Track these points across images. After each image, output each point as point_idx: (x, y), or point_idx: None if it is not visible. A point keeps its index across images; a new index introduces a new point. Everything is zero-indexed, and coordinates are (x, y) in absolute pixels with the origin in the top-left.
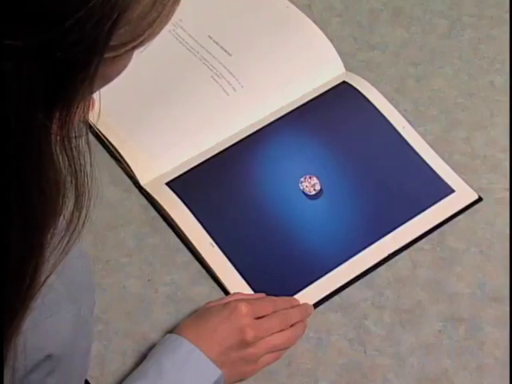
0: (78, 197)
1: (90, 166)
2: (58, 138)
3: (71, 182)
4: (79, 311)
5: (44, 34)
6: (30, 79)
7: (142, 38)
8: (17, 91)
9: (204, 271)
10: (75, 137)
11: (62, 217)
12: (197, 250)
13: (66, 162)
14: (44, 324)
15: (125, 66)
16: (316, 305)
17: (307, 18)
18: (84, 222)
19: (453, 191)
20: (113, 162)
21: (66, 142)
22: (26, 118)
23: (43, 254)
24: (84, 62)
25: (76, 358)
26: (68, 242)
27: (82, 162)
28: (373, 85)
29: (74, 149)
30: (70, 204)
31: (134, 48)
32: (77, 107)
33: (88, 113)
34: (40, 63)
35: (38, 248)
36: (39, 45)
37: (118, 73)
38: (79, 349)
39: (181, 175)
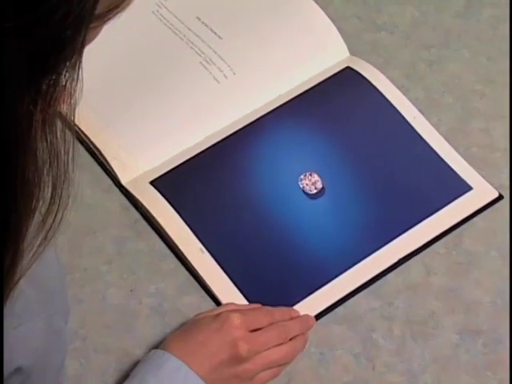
0: (55, 191)
1: (68, 157)
2: (41, 125)
3: (48, 175)
4: (51, 319)
5: (32, 13)
6: (16, 60)
7: (119, 9)
8: (4, 73)
9: (193, 280)
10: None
11: (37, 213)
12: (185, 256)
13: (46, 152)
14: (13, 333)
15: (96, 36)
16: (318, 316)
17: None
18: (60, 220)
19: (470, 188)
20: (90, 159)
21: (48, 131)
22: (12, 102)
23: (20, 242)
24: (70, 38)
25: (48, 372)
26: (42, 241)
27: (62, 154)
28: (380, 70)
29: (55, 139)
30: (46, 198)
31: (110, 19)
32: (63, 89)
33: (70, 100)
34: (27, 42)
35: (15, 235)
36: (27, 24)
37: (91, 41)
38: (52, 362)
39: (167, 173)
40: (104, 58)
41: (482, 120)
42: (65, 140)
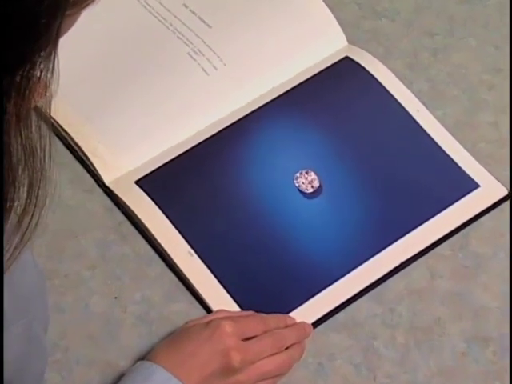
0: (31, 190)
1: (45, 153)
2: (14, 119)
3: (23, 172)
4: (30, 327)
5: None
6: None
7: None
8: None
9: (181, 285)
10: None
11: (12, 213)
12: (172, 261)
13: (20, 148)
14: None
15: (73, 24)
16: (316, 323)
17: None
18: (37, 221)
19: (477, 186)
20: (70, 157)
21: (23, 126)
22: None
23: None
24: (45, 26)
25: (28, 383)
26: (18, 244)
27: (38, 150)
28: (381, 60)
29: (30, 134)
30: (22, 198)
31: (88, 5)
32: (38, 81)
33: (45, 92)
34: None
35: None
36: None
37: (67, 31)
38: (31, 372)
39: (153, 172)
40: (84, 48)
41: (490, 113)
42: (41, 135)
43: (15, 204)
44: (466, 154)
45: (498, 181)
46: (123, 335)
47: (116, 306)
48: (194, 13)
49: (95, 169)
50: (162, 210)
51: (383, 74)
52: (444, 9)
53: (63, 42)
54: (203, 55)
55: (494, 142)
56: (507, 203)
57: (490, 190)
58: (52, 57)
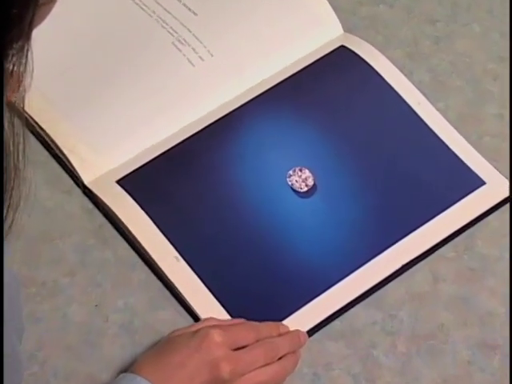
0: (4, 190)
1: (18, 151)
2: None
3: None
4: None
5: None
6: None
7: None
8: None
9: (167, 292)
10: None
11: None
12: (157, 266)
13: None
14: None
15: (47, 14)
16: (311, 331)
17: None
18: (11, 224)
19: (483, 183)
20: (47, 156)
21: None
22: None
23: None
24: (17, 16)
25: None
26: None
27: (11, 148)
28: (379, 49)
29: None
30: None
31: None
32: (10, 75)
33: (18, 87)
34: None
35: None
36: None
37: (41, 21)
38: None
39: (135, 170)
40: (60, 40)
41: (495, 105)
42: (14, 132)
43: None
44: (471, 148)
45: (505, 177)
46: (105, 346)
47: (97, 315)
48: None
49: (74, 168)
50: (146, 212)
51: (382, 64)
52: None
53: (38, 33)
54: (189, 45)
55: (499, 136)
56: None
57: (496, 186)
58: (25, 49)
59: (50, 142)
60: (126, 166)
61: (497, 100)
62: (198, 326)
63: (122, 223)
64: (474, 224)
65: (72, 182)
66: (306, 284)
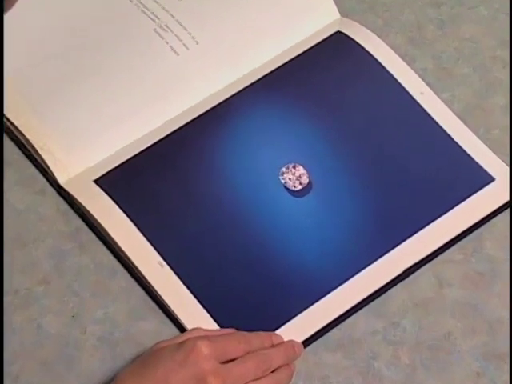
0: None
1: None
2: None
3: None
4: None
5: None
6: None
7: None
8: None
9: (150, 301)
10: None
11: None
12: (140, 272)
13: None
14: None
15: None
16: (306, 342)
17: None
18: None
19: (492, 179)
20: (19, 154)
21: None
22: None
23: None
24: None
25: None
26: None
27: None
28: (378, 35)
29: None
30: None
31: None
32: None
33: None
34: None
35: None
36: None
37: (10, 7)
38: None
39: (115, 169)
40: (32, 28)
41: (505, 94)
42: None
43: None
44: (478, 142)
45: None
46: (83, 360)
47: (74, 327)
48: None
49: (47, 167)
50: (127, 213)
51: (381, 50)
52: None
53: (8, 20)
54: (172, 32)
55: (510, 128)
56: None
57: (506, 183)
58: None
59: (21, 139)
60: (105, 164)
61: (507, 89)
62: (184, 337)
63: (101, 226)
64: (483, 224)
65: (46, 181)
66: (300, 290)
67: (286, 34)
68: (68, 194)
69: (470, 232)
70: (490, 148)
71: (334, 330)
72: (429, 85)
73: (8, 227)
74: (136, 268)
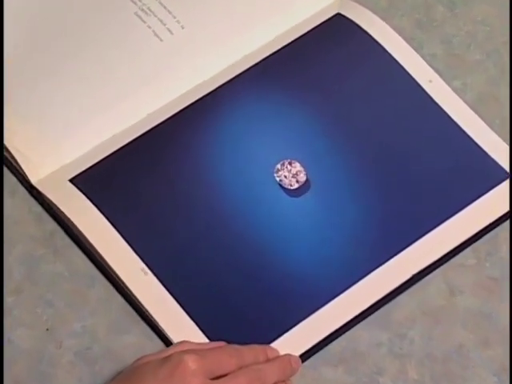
0: None
1: None
2: None
3: None
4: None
5: None
6: None
7: None
8: None
9: (133, 312)
10: None
11: None
12: (121, 280)
13: None
14: None
15: None
16: (304, 356)
17: None
18: None
19: (507, 176)
20: None
21: None
22: None
23: None
24: None
25: None
26: None
27: None
28: (382, 17)
29: None
30: None
31: None
32: None
33: None
34: None
35: None
36: None
37: None
38: None
39: (92, 167)
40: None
41: None
42: None
43: None
44: (493, 134)
45: None
46: (58, 377)
47: (48, 341)
48: None
49: (19, 166)
50: (106, 216)
51: (385, 34)
52: None
53: None
54: (155, 15)
55: None
56: None
57: None
58: None
59: None
60: (81, 161)
61: None
62: (170, 351)
63: (77, 229)
64: (498, 225)
65: (16, 181)
66: (298, 299)
67: (280, 17)
68: (41, 194)
69: (484, 234)
70: (505, 141)
71: (334, 343)
72: (438, 72)
73: None
74: (116, 276)
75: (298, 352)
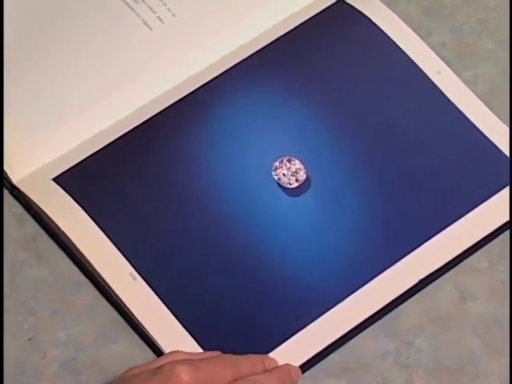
0: None
1: None
2: None
3: None
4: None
5: None
6: None
7: None
8: None
9: (121, 320)
10: None
11: None
12: (108, 286)
13: None
14: None
15: None
16: (305, 366)
17: None
18: None
19: None
20: None
21: None
22: None
23: None
24: None
25: None
26: None
27: None
28: (387, 4)
29: None
30: None
31: None
32: None
33: None
34: None
35: None
36: None
37: None
38: None
39: (77, 165)
40: None
41: None
42: None
43: None
44: (505, 128)
45: None
46: None
47: (31, 350)
48: None
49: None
50: (92, 217)
51: (391, 22)
52: None
53: None
54: (144, 3)
55: None
56: None
57: None
58: None
59: None
60: (65, 159)
61: None
62: (161, 361)
63: (61, 232)
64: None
65: None
66: (298, 306)
67: (278, 3)
68: (22, 194)
69: (497, 235)
70: None
71: (337, 352)
72: (447, 62)
73: None
74: (104, 281)
75: (297, 362)
